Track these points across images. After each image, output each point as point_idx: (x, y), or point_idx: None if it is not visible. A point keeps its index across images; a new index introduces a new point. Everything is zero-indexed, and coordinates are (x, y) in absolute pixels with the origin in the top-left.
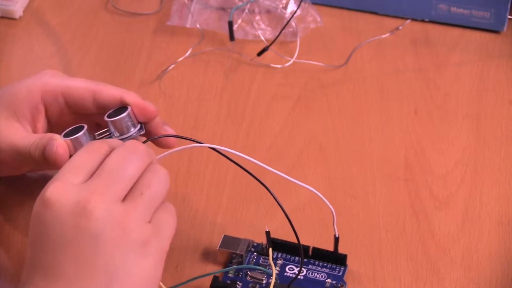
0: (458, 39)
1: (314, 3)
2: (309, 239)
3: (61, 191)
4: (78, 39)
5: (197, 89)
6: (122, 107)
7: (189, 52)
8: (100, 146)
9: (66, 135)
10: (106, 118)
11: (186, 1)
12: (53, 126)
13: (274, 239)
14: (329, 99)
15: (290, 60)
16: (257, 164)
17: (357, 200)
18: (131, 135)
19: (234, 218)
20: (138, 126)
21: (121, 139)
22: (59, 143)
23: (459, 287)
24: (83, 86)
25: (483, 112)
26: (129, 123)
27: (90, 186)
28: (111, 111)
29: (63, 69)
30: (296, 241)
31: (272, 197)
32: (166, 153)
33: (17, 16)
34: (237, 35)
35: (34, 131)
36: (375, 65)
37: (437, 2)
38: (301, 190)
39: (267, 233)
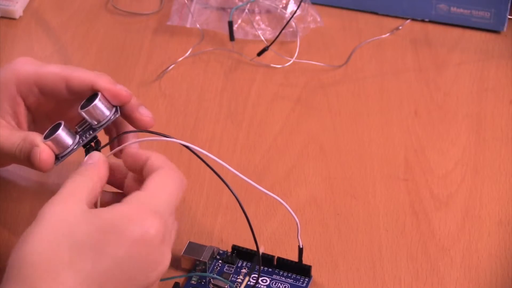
0: (458, 39)
1: (314, 3)
2: (308, 239)
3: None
4: (78, 39)
5: (197, 89)
6: (93, 95)
7: (189, 52)
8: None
9: (46, 136)
10: (79, 110)
11: (186, 1)
12: (35, 115)
13: (238, 247)
14: (329, 99)
15: (290, 60)
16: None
17: (357, 200)
18: (108, 120)
19: (234, 218)
20: (113, 110)
21: (100, 126)
22: (42, 149)
23: (459, 287)
24: (55, 73)
25: (483, 112)
26: (103, 109)
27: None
28: (84, 101)
29: None
30: (263, 251)
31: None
32: (131, 142)
33: (17, 16)
34: (237, 35)
35: (18, 124)
36: (375, 65)
37: (437, 2)
38: (301, 191)
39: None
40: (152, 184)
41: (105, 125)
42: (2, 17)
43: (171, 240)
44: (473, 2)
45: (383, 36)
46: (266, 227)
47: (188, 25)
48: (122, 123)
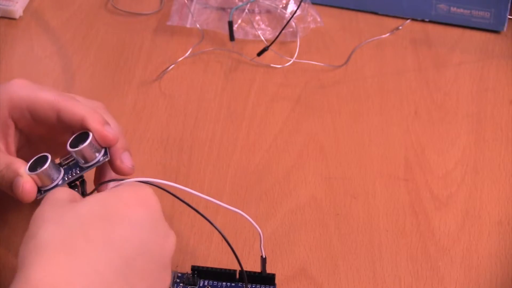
0: (458, 39)
1: (314, 3)
2: (308, 239)
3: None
4: (78, 39)
5: (197, 89)
6: (84, 132)
7: (189, 52)
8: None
9: (31, 168)
10: (68, 148)
11: (186, 1)
12: (29, 137)
13: (198, 267)
14: (329, 99)
15: (290, 60)
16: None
17: (357, 200)
18: (96, 163)
19: (234, 218)
20: (102, 152)
21: (88, 167)
22: (25, 180)
23: (459, 287)
24: (48, 102)
25: (483, 112)
26: (93, 150)
27: None
28: (72, 138)
29: (63, 69)
30: (225, 267)
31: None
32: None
33: (17, 16)
34: (237, 35)
35: (6, 146)
36: (375, 65)
37: (437, 2)
38: (301, 191)
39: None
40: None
41: (93, 167)
42: (2, 17)
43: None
44: (473, 2)
45: (383, 36)
46: (266, 227)
47: (188, 25)
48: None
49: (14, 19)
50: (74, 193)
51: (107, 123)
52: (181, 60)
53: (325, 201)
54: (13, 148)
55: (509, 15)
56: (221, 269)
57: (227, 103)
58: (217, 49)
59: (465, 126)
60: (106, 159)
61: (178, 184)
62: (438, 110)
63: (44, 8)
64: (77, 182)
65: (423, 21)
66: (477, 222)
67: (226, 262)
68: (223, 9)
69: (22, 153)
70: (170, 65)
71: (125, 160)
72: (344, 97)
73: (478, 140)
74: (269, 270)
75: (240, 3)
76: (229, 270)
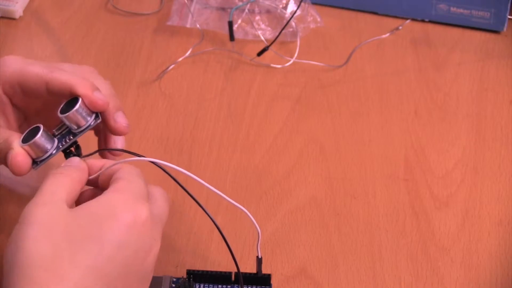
0: (458, 39)
1: (314, 3)
2: (308, 239)
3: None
4: (78, 39)
5: (197, 89)
6: (74, 98)
7: (189, 52)
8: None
9: (25, 140)
10: (59, 114)
11: (186, 1)
12: (26, 113)
13: (194, 271)
14: (329, 99)
15: (290, 60)
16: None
17: (357, 200)
18: (88, 126)
19: (234, 218)
20: (94, 115)
21: (80, 131)
22: (16, 152)
23: (459, 287)
24: (37, 74)
25: (483, 112)
26: (83, 115)
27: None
28: (63, 104)
29: None
30: (220, 269)
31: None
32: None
33: (17, 16)
34: (237, 35)
35: (8, 123)
36: (375, 65)
37: (437, 2)
38: (301, 191)
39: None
40: (126, 174)
41: (85, 131)
42: (2, 17)
43: (160, 223)
44: (473, 2)
45: (383, 36)
46: (266, 227)
47: (188, 25)
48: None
49: (14, 19)
50: (72, 188)
51: (96, 88)
52: (181, 60)
53: (325, 201)
54: (14, 124)
55: (509, 15)
56: (216, 272)
57: (227, 103)
58: (217, 49)
59: (465, 126)
60: (98, 121)
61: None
62: (438, 110)
63: (44, 8)
64: (72, 149)
65: (423, 21)
66: (477, 222)
67: (226, 263)
68: (223, 9)
69: (22, 130)
70: (170, 65)
71: (118, 119)
72: (344, 97)
73: (478, 140)
74: (269, 270)
75: (240, 3)
76: (225, 272)
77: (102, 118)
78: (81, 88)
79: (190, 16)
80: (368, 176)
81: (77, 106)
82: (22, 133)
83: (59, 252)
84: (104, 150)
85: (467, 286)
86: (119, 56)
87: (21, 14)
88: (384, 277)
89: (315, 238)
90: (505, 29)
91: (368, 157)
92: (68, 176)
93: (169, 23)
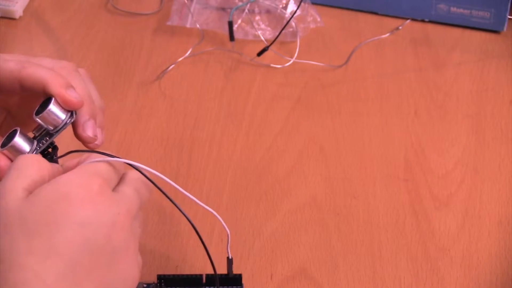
0: (458, 39)
1: (314, 3)
2: (308, 239)
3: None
4: (78, 39)
5: (197, 89)
6: (48, 98)
7: (189, 52)
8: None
9: (3, 145)
10: (34, 117)
11: (186, 1)
12: (6, 110)
13: (164, 275)
14: (329, 99)
15: (290, 60)
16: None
17: (357, 200)
18: (63, 126)
19: (234, 218)
20: (68, 114)
21: (56, 131)
22: None
23: (459, 287)
24: (10, 71)
25: (483, 112)
26: (58, 114)
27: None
28: (38, 106)
29: None
30: (191, 272)
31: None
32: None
33: (17, 16)
34: (237, 35)
35: None
36: (375, 65)
37: (437, 2)
38: (301, 191)
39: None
40: (88, 159)
41: (61, 130)
42: (2, 17)
43: (127, 199)
44: (473, 2)
45: (383, 36)
46: (266, 227)
47: (188, 25)
48: None
49: (14, 19)
50: (36, 173)
51: (70, 86)
52: (181, 60)
53: (325, 201)
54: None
55: (509, 15)
56: (187, 275)
57: (227, 103)
58: (217, 49)
59: (465, 126)
60: (73, 119)
61: (177, 184)
62: (438, 110)
63: (44, 8)
64: (49, 150)
65: (423, 21)
66: (477, 222)
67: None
68: (223, 9)
69: (6, 127)
70: (170, 65)
71: (87, 129)
72: (344, 97)
73: (478, 140)
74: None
75: (240, 3)
76: (195, 275)
77: (72, 122)
78: (54, 86)
79: (190, 16)
80: (368, 176)
81: (50, 106)
82: (5, 131)
83: (16, 244)
84: (76, 151)
85: (467, 286)
86: (119, 56)
87: (21, 14)
88: (384, 277)
89: (315, 238)
90: (505, 29)
91: (368, 157)
92: (21, 168)
93: (169, 23)
